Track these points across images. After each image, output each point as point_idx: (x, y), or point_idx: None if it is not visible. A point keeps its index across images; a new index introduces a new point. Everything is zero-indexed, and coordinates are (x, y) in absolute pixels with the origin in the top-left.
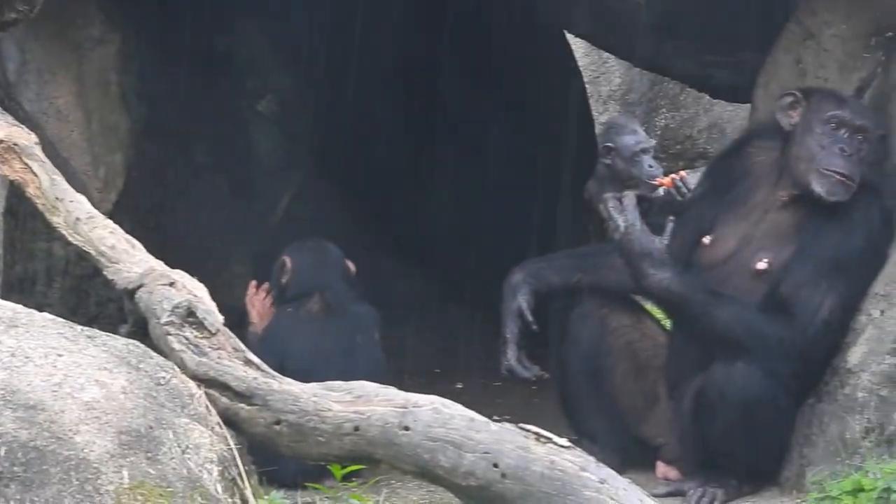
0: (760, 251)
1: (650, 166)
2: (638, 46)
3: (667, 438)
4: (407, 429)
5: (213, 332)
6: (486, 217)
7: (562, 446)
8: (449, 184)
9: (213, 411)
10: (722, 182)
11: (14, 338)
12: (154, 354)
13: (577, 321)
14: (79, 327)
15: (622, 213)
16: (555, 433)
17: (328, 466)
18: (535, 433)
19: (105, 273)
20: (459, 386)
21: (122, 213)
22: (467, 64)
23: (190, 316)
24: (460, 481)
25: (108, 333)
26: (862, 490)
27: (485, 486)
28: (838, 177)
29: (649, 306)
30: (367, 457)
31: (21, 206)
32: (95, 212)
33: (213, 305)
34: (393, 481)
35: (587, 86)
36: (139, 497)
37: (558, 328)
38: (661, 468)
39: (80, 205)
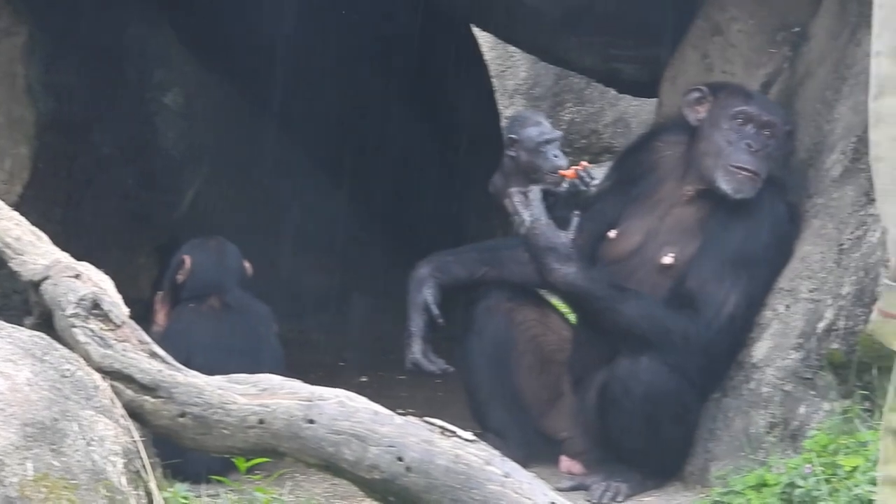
0: (666, 246)
1: (555, 156)
2: (543, 40)
3: (571, 433)
4: (312, 422)
5: (119, 324)
6: (390, 210)
7: (466, 440)
8: (353, 177)
9: (118, 403)
10: (628, 176)
11: None
12: (59, 346)
13: (482, 315)
14: None
15: (528, 207)
16: (460, 427)
17: (233, 459)
18: (440, 427)
19: (10, 265)
20: (364, 379)
21: (28, 205)
22: (373, 57)
23: (95, 308)
24: (365, 475)
25: (13, 325)
26: (766, 485)
27: (389, 479)
28: (744, 173)
29: (555, 300)
30: (272, 450)
31: None
32: (1, 203)
33: (118, 298)
34: (297, 474)
35: (493, 80)
36: (43, 489)
37: (464, 322)
38: (566, 462)
39: None
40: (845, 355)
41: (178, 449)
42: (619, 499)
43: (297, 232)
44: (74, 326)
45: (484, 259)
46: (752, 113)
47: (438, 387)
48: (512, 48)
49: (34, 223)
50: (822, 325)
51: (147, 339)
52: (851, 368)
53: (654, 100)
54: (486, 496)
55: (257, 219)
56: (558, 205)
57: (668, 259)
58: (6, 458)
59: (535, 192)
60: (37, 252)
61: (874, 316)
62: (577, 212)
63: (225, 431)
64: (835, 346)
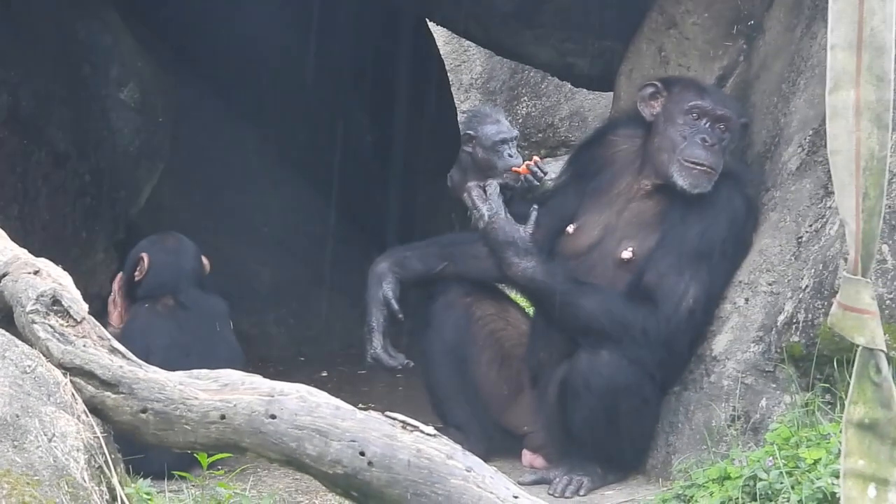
0: (624, 240)
1: (510, 156)
2: (498, 34)
3: (532, 427)
4: (273, 417)
5: (79, 320)
6: (346, 204)
7: (428, 434)
8: (310, 171)
9: (80, 399)
10: (585, 171)
11: None
12: (19, 343)
13: (441, 310)
14: None
15: (486, 201)
16: (421, 421)
17: (195, 455)
18: (402, 421)
19: None
20: (324, 374)
21: None
22: (328, 52)
23: (55, 304)
24: (327, 469)
25: None
26: (728, 478)
27: (351, 474)
28: (700, 168)
29: (514, 295)
30: (234, 445)
31: None
32: None
33: (77, 294)
34: (259, 469)
35: (448, 74)
36: (5, 485)
37: (423, 318)
38: (527, 456)
39: None
40: (805, 348)
41: (141, 445)
42: (582, 492)
43: (255, 227)
44: (34, 323)
45: (442, 253)
46: (706, 107)
47: (399, 381)
48: (467, 42)
49: None
50: (781, 318)
51: (107, 335)
52: (812, 361)
53: (611, 93)
54: (449, 490)
55: (214, 214)
56: (515, 199)
57: (626, 253)
58: None
59: (493, 186)
60: None
61: (834, 309)
62: (534, 206)
63: (187, 427)
64: (795, 339)
